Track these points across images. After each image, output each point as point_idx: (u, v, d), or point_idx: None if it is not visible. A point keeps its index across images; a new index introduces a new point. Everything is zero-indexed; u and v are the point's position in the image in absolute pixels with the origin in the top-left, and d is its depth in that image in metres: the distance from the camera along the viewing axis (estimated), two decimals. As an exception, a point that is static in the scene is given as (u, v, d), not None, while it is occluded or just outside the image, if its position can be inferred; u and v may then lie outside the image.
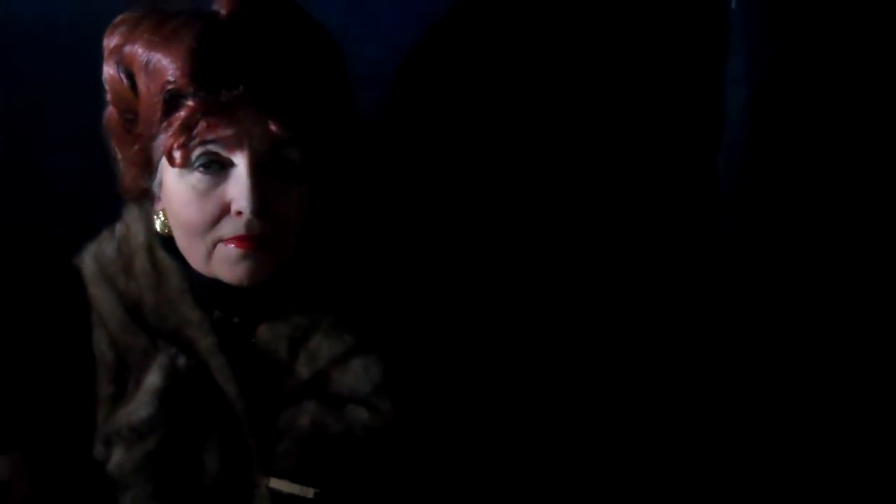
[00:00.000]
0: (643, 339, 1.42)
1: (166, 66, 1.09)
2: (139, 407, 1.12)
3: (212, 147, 1.10)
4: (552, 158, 1.40)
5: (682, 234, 1.42)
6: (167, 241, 1.17)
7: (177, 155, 1.10)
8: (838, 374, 1.40)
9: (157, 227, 1.17)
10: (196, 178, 1.11)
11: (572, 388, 1.41)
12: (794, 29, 1.38)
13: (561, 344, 1.41)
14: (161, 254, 1.18)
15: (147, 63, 1.10)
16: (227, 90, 1.07)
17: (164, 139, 1.10)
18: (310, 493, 1.12)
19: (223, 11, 1.11)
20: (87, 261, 1.20)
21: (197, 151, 1.10)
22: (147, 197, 1.19)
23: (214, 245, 1.12)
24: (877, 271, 1.40)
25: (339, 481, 1.14)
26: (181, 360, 1.14)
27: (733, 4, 1.38)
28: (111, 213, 1.26)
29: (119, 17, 1.15)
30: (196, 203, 1.11)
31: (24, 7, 1.41)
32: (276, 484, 1.13)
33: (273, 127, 1.09)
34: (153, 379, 1.13)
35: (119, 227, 1.21)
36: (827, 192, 1.39)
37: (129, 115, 1.14)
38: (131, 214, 1.21)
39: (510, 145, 1.40)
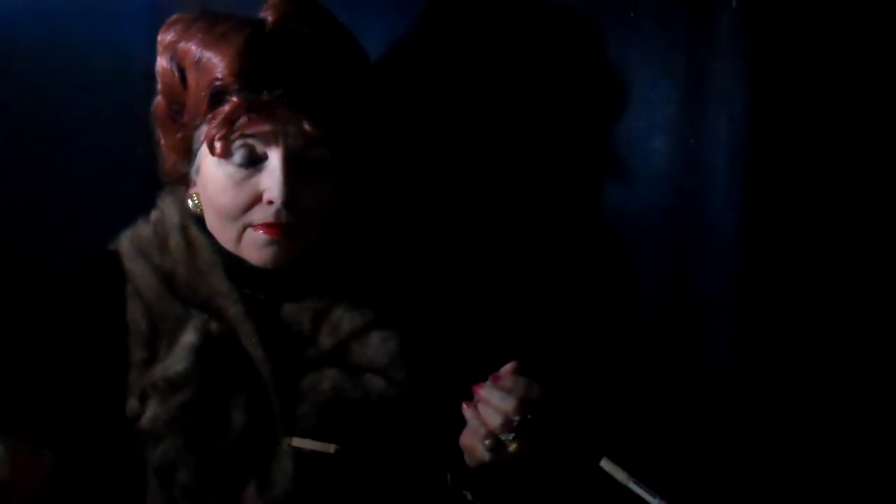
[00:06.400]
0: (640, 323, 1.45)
1: (216, 64, 1.17)
2: (176, 362, 1.19)
3: (250, 141, 1.19)
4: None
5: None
6: (199, 220, 1.25)
7: (217, 145, 1.19)
8: (840, 374, 1.41)
9: (190, 205, 1.25)
10: (233, 167, 1.20)
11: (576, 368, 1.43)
12: (794, 29, 1.38)
13: (565, 325, 1.44)
14: (194, 231, 1.26)
15: (198, 60, 1.19)
16: (268, 91, 1.17)
17: (206, 130, 1.19)
18: (331, 448, 1.18)
19: (270, 19, 1.20)
20: (124, 242, 1.27)
21: (236, 144, 1.19)
22: (183, 182, 1.27)
23: (244, 229, 1.21)
24: (877, 271, 1.41)
25: (356, 442, 1.22)
26: (213, 324, 1.21)
27: (734, 4, 1.37)
28: (111, 209, 1.34)
29: (175, 16, 1.23)
30: (231, 190, 1.20)
31: (22, 7, 1.41)
32: (298, 442, 1.19)
33: (307, 126, 1.18)
34: (189, 337, 1.20)
35: (154, 213, 1.28)
36: (828, 192, 1.40)
37: (176, 105, 1.23)
38: (166, 201, 1.29)
39: (510, 135, 1.43)
